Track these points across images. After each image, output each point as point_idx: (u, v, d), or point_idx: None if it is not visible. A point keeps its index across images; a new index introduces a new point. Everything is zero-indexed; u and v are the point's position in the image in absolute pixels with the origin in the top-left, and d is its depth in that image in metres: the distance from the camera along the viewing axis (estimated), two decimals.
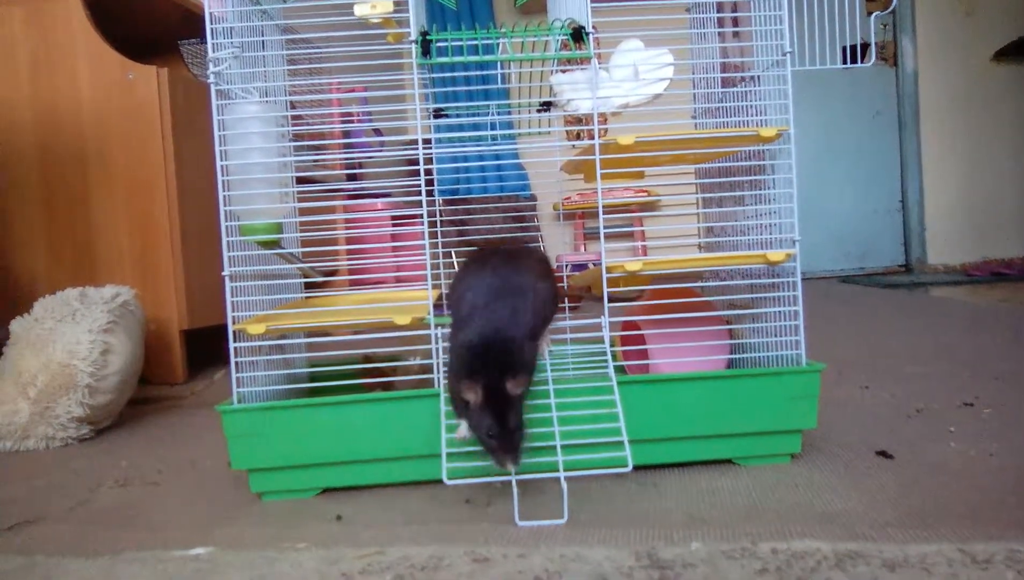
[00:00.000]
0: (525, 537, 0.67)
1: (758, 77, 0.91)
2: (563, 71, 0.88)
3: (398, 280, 1.54)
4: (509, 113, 1.19)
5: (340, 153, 2.30)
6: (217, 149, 0.81)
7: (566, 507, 0.71)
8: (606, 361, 0.85)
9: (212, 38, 0.81)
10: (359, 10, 0.81)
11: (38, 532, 0.77)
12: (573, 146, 1.12)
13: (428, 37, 0.81)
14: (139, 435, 1.22)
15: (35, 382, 1.15)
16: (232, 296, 0.83)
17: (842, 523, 0.65)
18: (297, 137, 0.94)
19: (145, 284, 1.73)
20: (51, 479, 0.98)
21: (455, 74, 2.81)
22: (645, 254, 3.50)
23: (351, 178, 2.70)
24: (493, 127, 1.14)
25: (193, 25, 2.02)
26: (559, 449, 0.75)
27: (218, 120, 0.81)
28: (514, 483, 0.72)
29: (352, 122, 2.13)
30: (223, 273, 0.83)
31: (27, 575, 0.65)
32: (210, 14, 0.81)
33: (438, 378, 0.83)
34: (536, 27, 0.86)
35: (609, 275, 0.85)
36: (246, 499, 0.84)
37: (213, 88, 0.81)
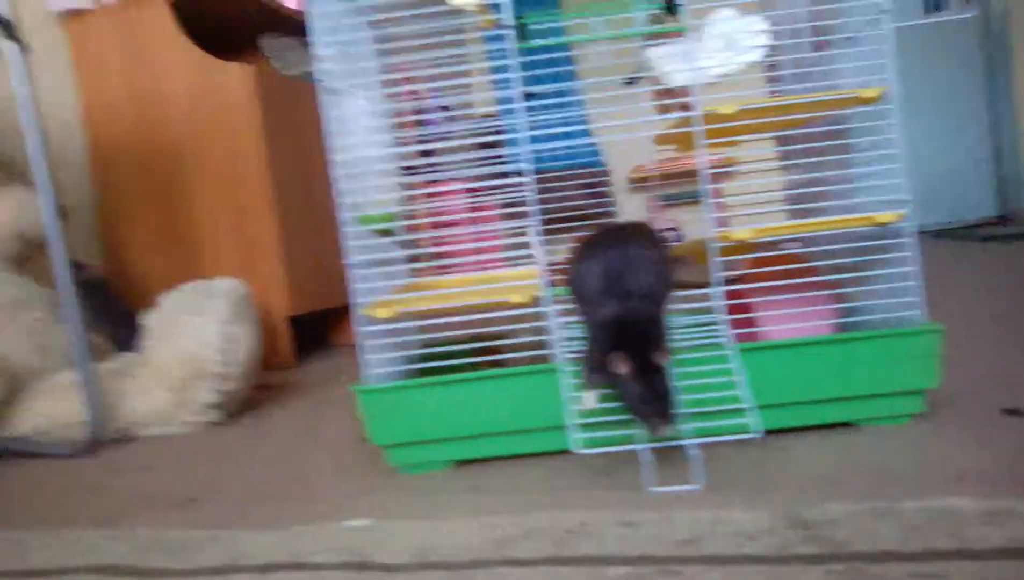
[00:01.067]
0: (665, 502, 0.69)
1: (850, 38, 0.90)
2: (655, 45, 0.89)
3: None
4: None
5: (439, 132, 2.33)
6: (331, 145, 0.85)
7: (701, 473, 0.74)
8: (717, 330, 0.87)
9: (315, 36, 0.84)
10: (454, 1, 0.83)
11: (209, 509, 0.84)
12: (663, 118, 1.13)
13: (523, 21, 0.83)
14: (268, 418, 1.30)
15: (171, 372, 1.24)
16: (354, 283, 0.88)
17: (980, 481, 0.66)
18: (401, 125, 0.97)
19: (250, 274, 1.81)
20: (203, 461, 1.06)
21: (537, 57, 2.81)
22: (727, 220, 3.44)
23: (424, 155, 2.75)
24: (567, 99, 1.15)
25: (270, 21, 2.09)
26: (687, 417, 0.77)
27: (329, 116, 0.85)
28: (646, 451, 0.75)
29: (430, 103, 2.16)
30: (346, 262, 0.87)
31: (212, 546, 0.72)
32: (307, 13, 0.85)
33: (555, 353, 0.87)
34: (625, 3, 0.87)
35: (718, 245, 0.86)
36: (384, 472, 0.90)
37: (321, 86, 0.85)
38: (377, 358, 0.90)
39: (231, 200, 1.81)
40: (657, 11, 0.82)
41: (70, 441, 1.20)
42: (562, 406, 0.83)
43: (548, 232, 0.92)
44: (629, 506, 0.70)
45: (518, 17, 0.82)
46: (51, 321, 1.36)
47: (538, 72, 0.96)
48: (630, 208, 3.66)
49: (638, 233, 0.85)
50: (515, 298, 0.84)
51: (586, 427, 0.80)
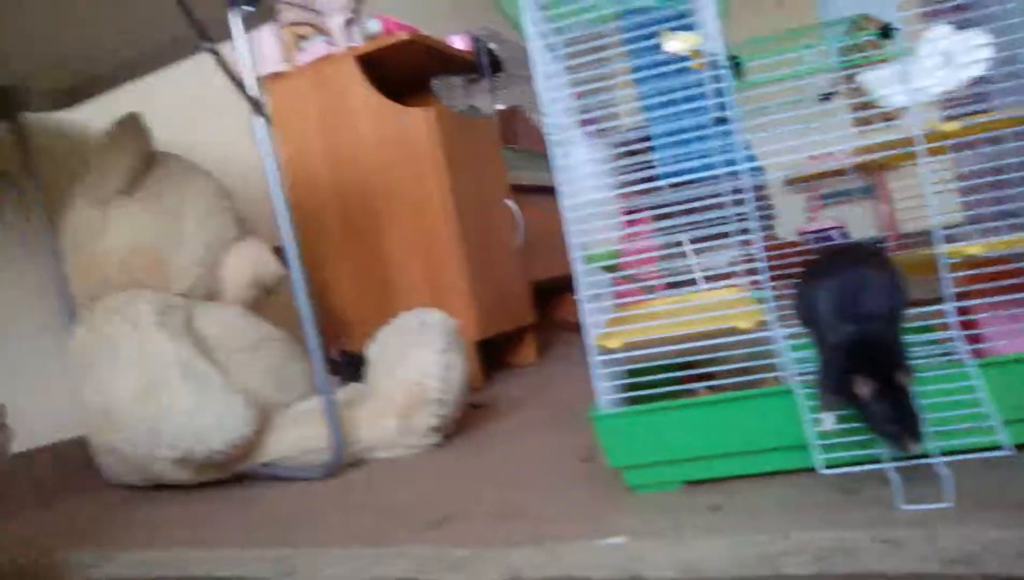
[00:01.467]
0: (919, 520, 0.71)
1: None
2: (869, 68, 0.90)
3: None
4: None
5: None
6: (561, 191, 0.93)
7: (952, 490, 0.75)
8: (950, 345, 0.87)
9: (544, 91, 0.92)
10: (670, 46, 0.88)
11: (463, 527, 0.93)
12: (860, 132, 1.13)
13: (737, 60, 0.87)
14: (480, 439, 1.39)
15: (396, 400, 1.36)
16: (585, 317, 0.95)
17: None
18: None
19: (439, 303, 1.94)
20: (437, 482, 1.16)
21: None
22: (893, 218, 3.32)
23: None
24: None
25: (442, 63, 2.22)
26: (932, 434, 0.78)
27: (557, 166, 0.93)
28: (893, 469, 0.77)
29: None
30: (577, 297, 0.94)
31: (485, 563, 0.80)
32: (535, 74, 0.92)
33: (787, 375, 0.89)
34: (841, 33, 0.89)
35: (948, 261, 0.86)
36: (616, 491, 0.96)
37: (550, 138, 0.93)
38: (607, 385, 0.96)
39: (419, 235, 1.95)
40: (872, 37, 0.84)
41: (314, 465, 1.34)
42: (796, 426, 0.86)
43: (703, 239, 0.95)
44: (885, 524, 0.72)
45: (732, 56, 0.86)
46: (287, 357, 1.52)
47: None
48: (788, 209, 3.58)
49: (866, 253, 0.86)
50: (742, 324, 0.88)
51: (826, 447, 0.83)
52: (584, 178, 0.92)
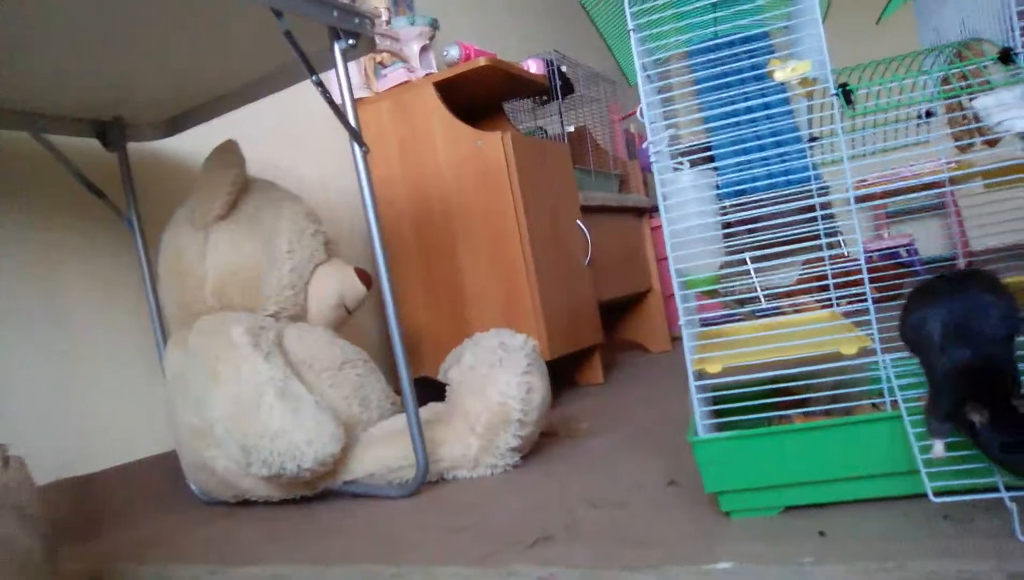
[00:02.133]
0: None
1: None
2: (984, 94, 0.90)
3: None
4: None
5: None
6: (664, 217, 0.94)
7: None
8: None
9: (648, 124, 0.94)
10: (780, 75, 0.89)
11: (567, 548, 0.94)
12: (963, 153, 1.12)
13: (848, 88, 0.88)
14: (558, 460, 1.41)
15: (480, 420, 1.38)
16: (687, 341, 0.96)
17: None
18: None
19: (511, 323, 1.97)
20: (525, 502, 1.18)
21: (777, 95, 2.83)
22: (964, 235, 3.25)
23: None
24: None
25: (512, 86, 2.26)
26: None
27: (661, 193, 0.94)
28: (1009, 498, 0.76)
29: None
30: (679, 323, 0.95)
31: None
32: (641, 109, 0.94)
33: (894, 400, 0.89)
34: (945, 59, 0.89)
35: None
36: (715, 516, 0.96)
37: (655, 167, 0.94)
38: (704, 410, 0.97)
39: (493, 255, 1.98)
40: (990, 62, 0.84)
41: (397, 484, 1.37)
42: (902, 452, 0.85)
43: (768, 253, 0.95)
44: (1009, 556, 0.71)
45: (842, 85, 0.87)
46: (368, 376, 1.56)
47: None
48: (854, 225, 3.52)
49: (977, 278, 0.86)
50: (846, 350, 0.88)
51: (934, 476, 0.82)
52: (686, 204, 0.93)
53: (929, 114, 1.12)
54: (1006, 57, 0.82)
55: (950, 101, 0.93)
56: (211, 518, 1.42)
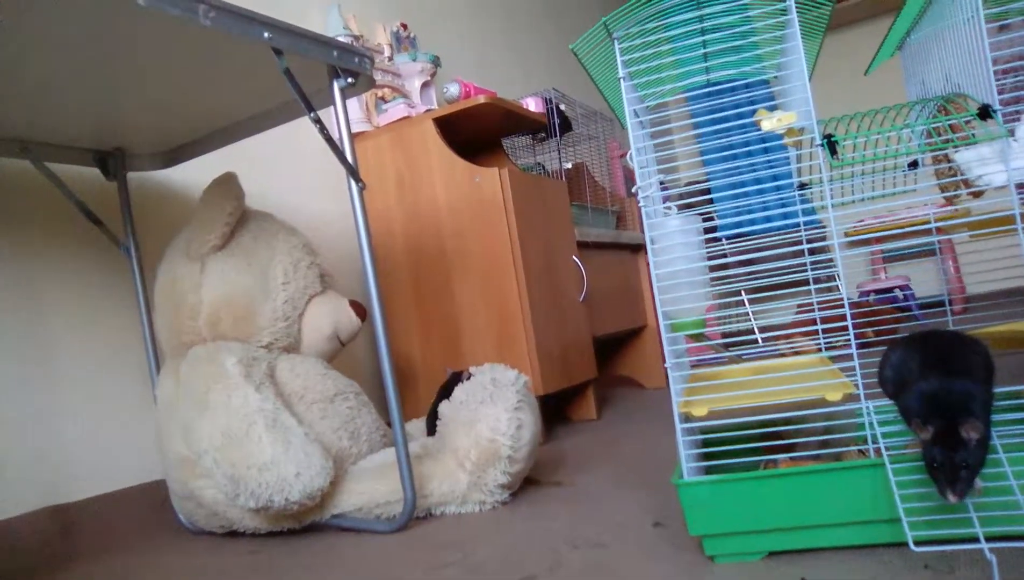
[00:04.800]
0: None
1: None
2: (965, 147, 0.92)
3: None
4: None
5: None
6: (651, 261, 0.96)
7: None
8: None
9: (638, 169, 0.96)
10: (767, 125, 0.91)
11: None
12: (950, 204, 1.14)
13: (833, 138, 0.89)
14: (547, 498, 1.40)
15: (469, 456, 1.38)
16: (673, 383, 0.96)
17: None
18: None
19: (504, 357, 1.97)
20: (512, 540, 1.18)
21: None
22: (960, 279, 3.28)
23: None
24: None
25: (511, 123, 2.29)
26: None
27: (649, 236, 0.96)
28: (987, 550, 0.76)
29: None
30: (665, 366, 0.96)
31: None
32: (630, 155, 0.96)
33: (877, 447, 0.90)
34: (934, 114, 0.91)
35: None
36: (698, 561, 0.96)
37: (644, 212, 0.96)
38: (690, 452, 0.97)
39: (488, 290, 1.99)
40: (970, 118, 0.86)
41: (385, 518, 1.36)
42: (885, 500, 0.86)
43: (761, 292, 0.97)
44: None
45: (827, 135, 0.89)
46: (359, 409, 1.56)
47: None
48: (850, 265, 3.55)
49: (951, 331, 0.88)
50: (831, 396, 0.89)
51: (916, 525, 0.82)
52: (674, 248, 0.95)
53: (915, 164, 1.14)
54: (985, 114, 0.84)
55: (934, 153, 0.95)
56: (196, 549, 1.41)
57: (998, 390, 0.89)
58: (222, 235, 1.45)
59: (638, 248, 2.91)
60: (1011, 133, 0.86)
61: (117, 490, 1.55)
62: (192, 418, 1.38)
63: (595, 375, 2.30)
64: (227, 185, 1.46)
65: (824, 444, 1.11)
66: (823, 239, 3.41)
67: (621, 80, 0.95)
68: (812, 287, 1.05)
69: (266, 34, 1.12)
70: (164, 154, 1.66)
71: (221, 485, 1.34)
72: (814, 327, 1.07)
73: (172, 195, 1.79)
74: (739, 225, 3.54)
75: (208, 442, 1.33)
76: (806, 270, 1.07)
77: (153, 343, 1.60)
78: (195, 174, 1.80)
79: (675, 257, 0.95)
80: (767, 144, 3.77)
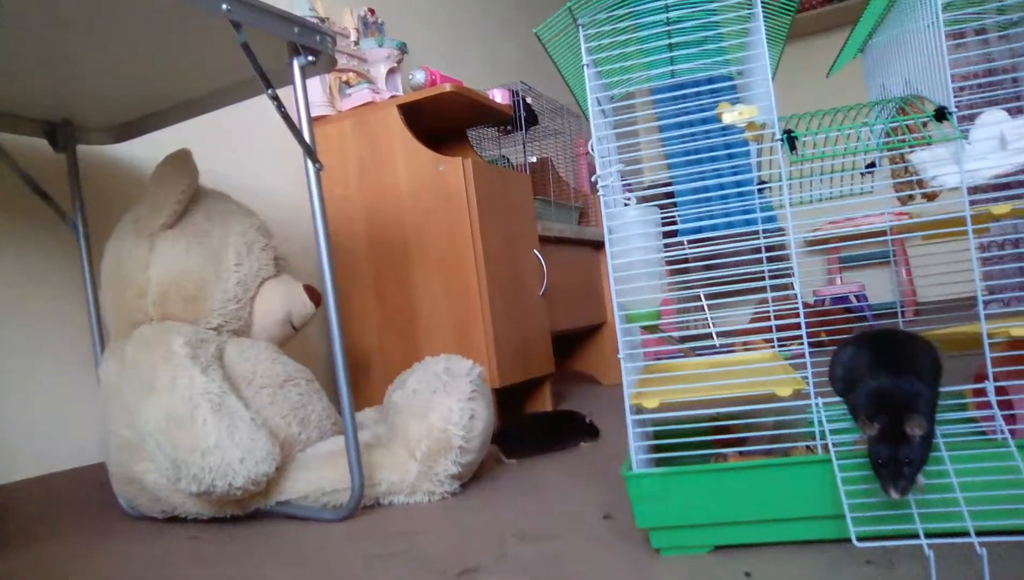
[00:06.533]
0: None
1: None
2: (920, 149, 0.93)
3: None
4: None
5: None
6: (608, 251, 0.95)
7: (987, 573, 0.75)
8: (987, 424, 0.87)
9: (599, 158, 0.95)
10: (728, 118, 0.91)
11: (494, 579, 0.93)
12: (903, 204, 1.15)
13: (793, 134, 0.89)
14: (497, 489, 1.39)
15: (420, 446, 1.37)
16: (626, 374, 0.96)
17: None
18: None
19: (463, 348, 1.96)
20: (458, 531, 1.16)
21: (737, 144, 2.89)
22: (912, 285, 3.34)
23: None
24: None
25: (476, 113, 2.27)
26: (967, 514, 0.78)
27: (607, 226, 0.95)
28: (928, 545, 0.77)
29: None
30: (619, 356, 0.95)
31: None
32: (591, 147, 0.95)
33: (825, 443, 0.90)
34: (889, 112, 0.92)
35: (991, 341, 0.87)
36: (644, 554, 0.95)
37: (602, 200, 0.95)
38: (641, 444, 0.96)
39: (448, 280, 1.97)
40: (926, 119, 0.86)
41: (332, 507, 1.34)
42: (831, 496, 0.86)
43: (720, 294, 0.97)
44: None
45: (787, 130, 0.89)
46: (309, 395, 1.53)
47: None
48: (807, 270, 3.61)
49: (902, 332, 0.89)
50: (781, 392, 0.89)
51: (859, 520, 0.83)
52: (631, 239, 0.94)
53: (872, 165, 1.15)
54: (940, 115, 0.85)
55: (892, 153, 0.95)
56: (135, 535, 1.37)
57: (942, 390, 0.90)
58: (173, 213, 1.41)
59: (600, 245, 2.91)
60: (965, 135, 0.87)
61: (53, 472, 1.50)
62: (136, 400, 1.34)
63: (552, 370, 2.30)
64: (181, 162, 1.42)
65: (775, 440, 1.11)
66: (783, 247, 3.46)
67: (585, 68, 0.94)
68: (769, 295, 1.05)
69: (224, 6, 1.08)
70: (116, 128, 1.61)
71: (163, 469, 1.30)
72: (768, 324, 1.07)
73: (123, 171, 1.74)
74: (700, 229, 3.57)
75: (152, 424, 1.29)
76: (764, 276, 1.07)
77: (99, 322, 1.55)
78: (148, 150, 1.75)
79: (632, 248, 0.94)
80: (731, 149, 3.80)
